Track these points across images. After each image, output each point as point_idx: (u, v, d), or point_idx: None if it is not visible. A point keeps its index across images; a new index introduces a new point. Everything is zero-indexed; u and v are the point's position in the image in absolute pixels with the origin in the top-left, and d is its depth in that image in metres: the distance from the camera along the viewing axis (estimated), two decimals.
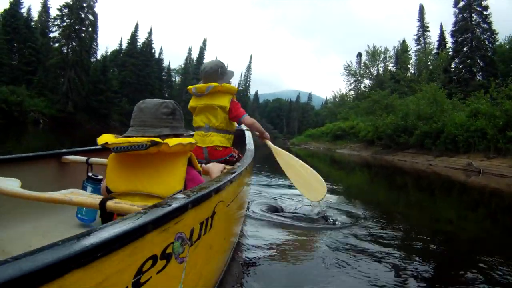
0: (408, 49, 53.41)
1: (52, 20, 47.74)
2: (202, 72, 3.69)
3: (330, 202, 5.66)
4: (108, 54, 62.62)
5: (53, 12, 48.73)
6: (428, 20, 53.29)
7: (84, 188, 3.07)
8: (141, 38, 62.38)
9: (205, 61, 78.56)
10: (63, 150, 3.24)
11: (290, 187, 6.06)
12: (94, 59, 53.06)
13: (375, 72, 57.30)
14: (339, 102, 64.54)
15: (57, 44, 45.77)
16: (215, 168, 2.61)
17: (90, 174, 3.13)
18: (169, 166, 1.82)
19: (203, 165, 2.61)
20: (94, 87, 48.06)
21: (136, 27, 60.94)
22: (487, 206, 8.63)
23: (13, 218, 2.56)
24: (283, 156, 4.25)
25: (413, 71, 51.81)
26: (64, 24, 45.05)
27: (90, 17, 47.33)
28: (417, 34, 53.40)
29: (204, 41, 79.36)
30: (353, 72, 60.34)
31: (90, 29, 48.02)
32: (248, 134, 4.74)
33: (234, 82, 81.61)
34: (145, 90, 58.46)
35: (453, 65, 41.68)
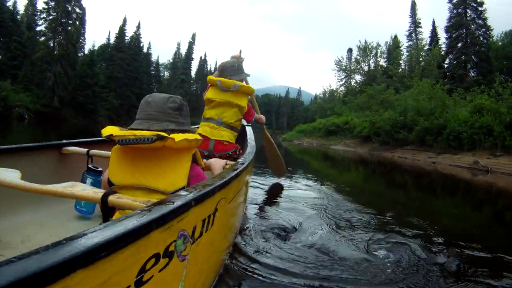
0: (400, 45, 53.08)
1: (38, 13, 46.73)
2: (223, 66, 3.88)
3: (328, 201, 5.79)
4: (95, 48, 61.76)
5: (40, 5, 47.38)
6: (420, 16, 52.90)
7: (84, 180, 3.11)
8: (129, 32, 61.21)
9: (194, 55, 79.47)
10: (64, 141, 3.26)
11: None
12: (82, 53, 52.34)
13: (366, 67, 56.85)
14: (329, 98, 64.35)
15: (43, 38, 44.83)
16: (217, 164, 2.61)
17: (90, 165, 3.16)
18: (173, 161, 1.82)
19: (205, 160, 2.56)
20: (81, 81, 47.20)
21: (124, 21, 59.54)
22: (498, 206, 8.15)
23: (10, 208, 2.57)
24: (270, 142, 5.50)
25: (404, 67, 51.45)
26: (51, 17, 44.09)
27: (78, 10, 46.50)
28: (408, 30, 52.95)
29: (193, 36, 78.57)
30: (344, 67, 59.91)
31: (77, 22, 47.20)
32: (249, 130, 4.75)
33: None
34: (133, 85, 57.90)
35: (447, 61, 41.42)
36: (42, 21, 45.20)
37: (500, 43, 42.38)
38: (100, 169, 3.14)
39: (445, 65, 41.41)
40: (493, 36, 41.09)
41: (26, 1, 53.07)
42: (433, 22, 48.11)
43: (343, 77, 60.51)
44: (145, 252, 1.03)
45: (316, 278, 2.59)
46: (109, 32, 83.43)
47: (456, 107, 23.11)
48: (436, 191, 10.16)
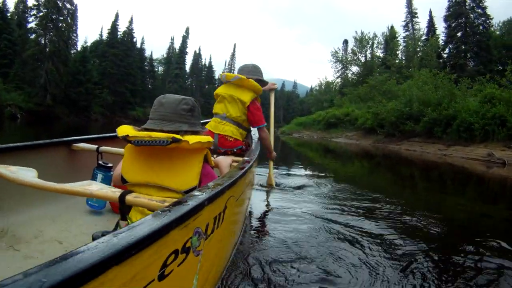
0: (397, 35, 52.59)
1: (29, 10, 45.60)
2: (242, 67, 4.01)
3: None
4: (88, 45, 60.70)
5: (31, 1, 46.21)
6: (416, 6, 52.38)
7: (94, 176, 3.16)
8: (122, 27, 59.74)
9: (188, 50, 78.32)
10: (74, 137, 3.29)
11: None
12: (74, 50, 51.00)
13: (363, 59, 56.32)
14: (325, 90, 63.90)
15: (33, 35, 43.73)
16: (225, 162, 2.77)
17: (100, 162, 3.20)
18: (186, 161, 1.87)
19: (213, 158, 2.63)
20: (74, 78, 46.02)
21: (117, 16, 58.09)
22: None
23: (23, 203, 2.61)
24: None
25: (401, 57, 50.98)
26: (41, 14, 42.79)
27: (69, 6, 45.20)
28: (405, 21, 52.58)
29: (187, 30, 77.11)
30: (340, 59, 59.29)
31: (68, 19, 45.95)
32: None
33: (219, 71, 79.40)
34: (126, 81, 56.97)
35: (446, 51, 40.96)
36: (33, 18, 44.19)
37: (498, 33, 42.04)
38: (110, 165, 3.19)
39: (444, 55, 40.89)
40: (492, 25, 40.67)
41: None
42: (430, 12, 47.96)
43: (339, 68, 59.98)
44: (166, 249, 1.12)
45: (317, 271, 2.56)
46: (102, 28, 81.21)
47: (465, 97, 22.41)
48: (449, 185, 9.67)
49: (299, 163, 12.00)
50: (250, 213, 4.08)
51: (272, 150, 4.54)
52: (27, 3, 49.77)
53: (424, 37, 47.60)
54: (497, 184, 10.20)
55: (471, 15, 38.95)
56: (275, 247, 2.99)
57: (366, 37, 55.54)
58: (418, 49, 46.62)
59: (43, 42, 42.72)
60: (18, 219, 2.50)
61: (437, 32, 44.95)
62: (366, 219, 4.13)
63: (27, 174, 1.94)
